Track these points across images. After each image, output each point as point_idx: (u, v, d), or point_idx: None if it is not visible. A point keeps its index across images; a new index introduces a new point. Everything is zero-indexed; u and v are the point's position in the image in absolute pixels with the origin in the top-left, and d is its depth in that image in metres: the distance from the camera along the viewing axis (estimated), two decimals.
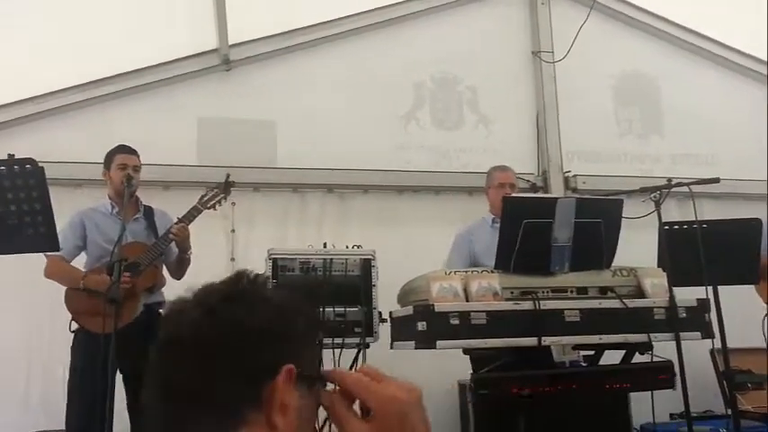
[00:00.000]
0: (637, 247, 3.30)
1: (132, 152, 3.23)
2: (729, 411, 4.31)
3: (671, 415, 4.14)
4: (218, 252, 4.32)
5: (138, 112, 4.34)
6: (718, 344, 4.65)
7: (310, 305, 0.86)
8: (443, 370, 3.71)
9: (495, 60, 5.20)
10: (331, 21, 4.82)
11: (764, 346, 3.61)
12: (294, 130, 4.61)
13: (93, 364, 2.72)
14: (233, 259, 4.31)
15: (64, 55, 4.18)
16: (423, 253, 4.12)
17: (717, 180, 2.80)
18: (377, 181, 4.66)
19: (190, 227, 3.20)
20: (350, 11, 4.84)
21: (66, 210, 3.27)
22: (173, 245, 3.10)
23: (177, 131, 4.35)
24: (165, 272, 3.30)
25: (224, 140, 4.44)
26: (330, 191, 4.64)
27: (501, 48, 5.24)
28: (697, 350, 3.26)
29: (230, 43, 4.43)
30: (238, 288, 0.80)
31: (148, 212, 3.25)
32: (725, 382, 3.12)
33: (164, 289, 3.32)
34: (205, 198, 3.17)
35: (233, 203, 4.37)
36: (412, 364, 3.90)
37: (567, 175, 4.99)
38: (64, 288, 3.08)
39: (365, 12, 4.90)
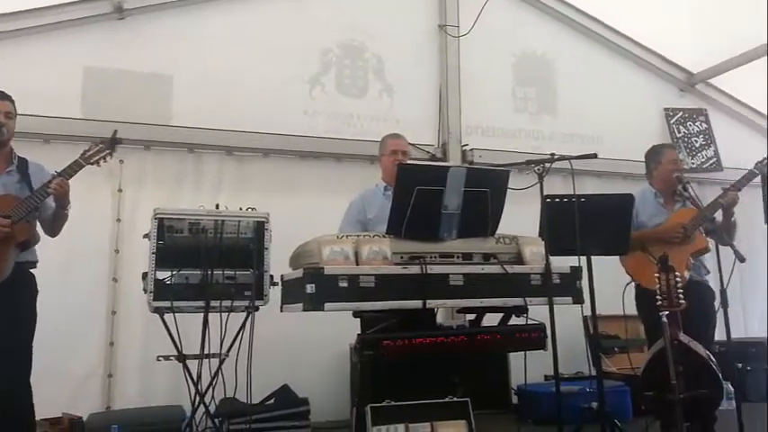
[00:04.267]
0: (522, 218, 3.47)
1: (4, 97, 2.95)
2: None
3: (545, 377, 4.47)
4: (103, 212, 4.12)
5: (18, 58, 3.99)
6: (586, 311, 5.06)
7: None
8: (335, 335, 3.76)
9: (403, 31, 5.23)
10: None
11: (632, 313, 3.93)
12: (192, 86, 4.42)
13: None
14: (119, 220, 4.11)
15: None
16: (322, 219, 4.06)
17: (594, 155, 2.98)
18: (278, 145, 4.58)
19: (72, 183, 2.99)
20: None
21: None
22: (49, 200, 2.89)
23: (61, 81, 4.05)
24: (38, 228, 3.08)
25: (113, 93, 4.19)
26: (229, 153, 4.51)
27: (409, 19, 5.28)
28: (571, 317, 3.50)
29: None
30: None
31: (22, 165, 3.00)
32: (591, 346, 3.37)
33: (36, 247, 3.10)
34: (88, 153, 2.97)
35: (121, 161, 4.16)
36: (305, 329, 3.98)
37: (464, 148, 5.14)
38: None
39: None
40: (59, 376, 3.83)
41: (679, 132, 6.36)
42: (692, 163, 6.32)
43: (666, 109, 6.36)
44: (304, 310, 2.43)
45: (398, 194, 2.59)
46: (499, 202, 2.74)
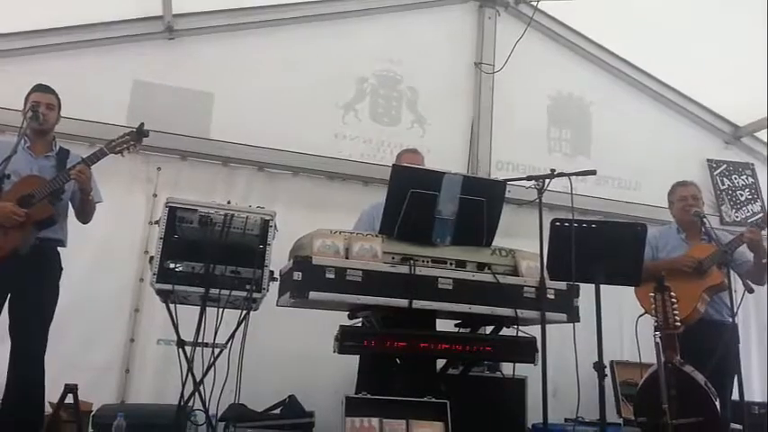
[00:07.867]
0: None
1: (48, 90, 3.24)
2: (617, 415, 4.49)
3: (565, 419, 4.29)
4: (137, 215, 4.35)
5: (73, 66, 4.34)
6: (613, 356, 4.81)
7: None
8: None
9: (439, 65, 5.40)
10: (282, 5, 4.94)
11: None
12: (232, 104, 4.69)
13: None
14: (151, 222, 4.32)
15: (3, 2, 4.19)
16: None
17: (594, 172, 2.98)
18: (307, 165, 4.75)
19: (111, 186, 3.18)
20: None
21: None
22: (75, 185, 3.11)
23: (111, 91, 4.39)
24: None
25: (157, 106, 4.47)
26: (260, 169, 4.71)
27: (445, 54, 5.45)
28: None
29: (174, 12, 4.50)
30: None
31: (62, 154, 3.25)
32: (596, 371, 3.24)
33: (71, 241, 3.29)
34: (113, 143, 3.19)
35: (158, 168, 4.44)
36: (317, 341, 4.00)
37: None
38: None
39: (318, 1, 5.04)
40: (79, 366, 3.97)
41: (723, 185, 6.19)
42: (736, 216, 6.11)
43: (710, 160, 6.21)
44: (290, 297, 2.50)
45: (392, 196, 2.67)
46: (495, 212, 2.77)
